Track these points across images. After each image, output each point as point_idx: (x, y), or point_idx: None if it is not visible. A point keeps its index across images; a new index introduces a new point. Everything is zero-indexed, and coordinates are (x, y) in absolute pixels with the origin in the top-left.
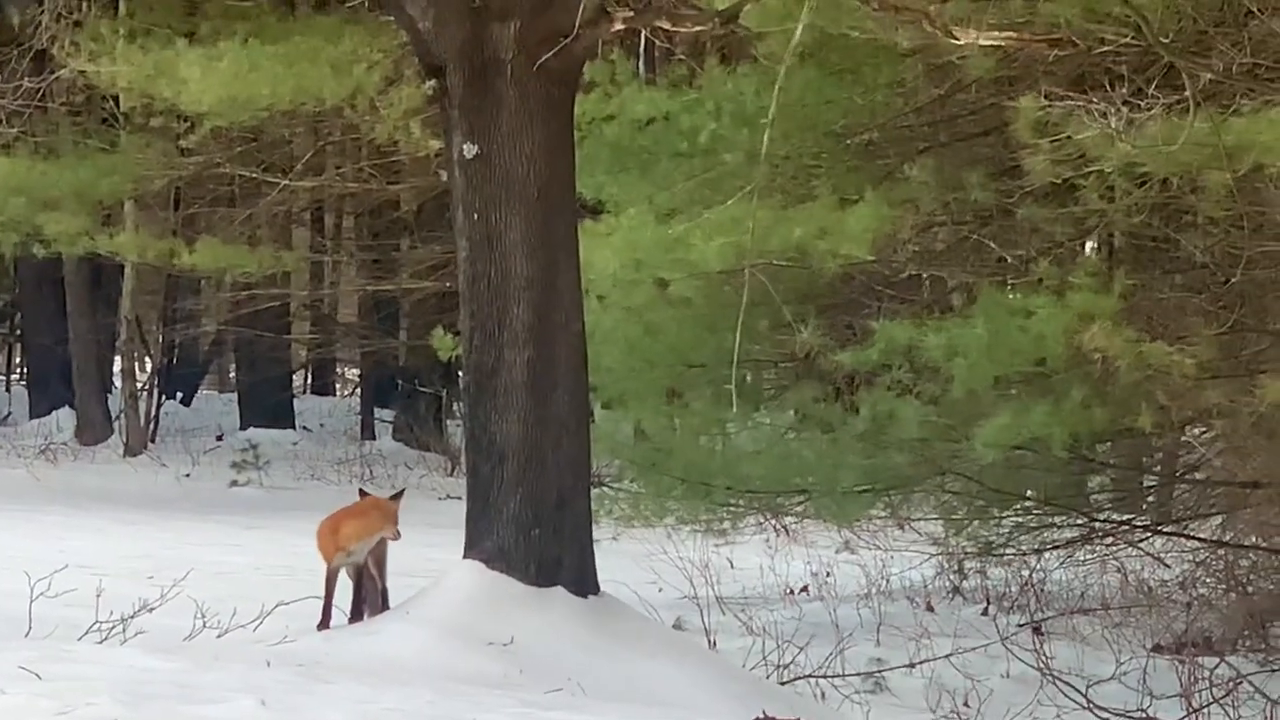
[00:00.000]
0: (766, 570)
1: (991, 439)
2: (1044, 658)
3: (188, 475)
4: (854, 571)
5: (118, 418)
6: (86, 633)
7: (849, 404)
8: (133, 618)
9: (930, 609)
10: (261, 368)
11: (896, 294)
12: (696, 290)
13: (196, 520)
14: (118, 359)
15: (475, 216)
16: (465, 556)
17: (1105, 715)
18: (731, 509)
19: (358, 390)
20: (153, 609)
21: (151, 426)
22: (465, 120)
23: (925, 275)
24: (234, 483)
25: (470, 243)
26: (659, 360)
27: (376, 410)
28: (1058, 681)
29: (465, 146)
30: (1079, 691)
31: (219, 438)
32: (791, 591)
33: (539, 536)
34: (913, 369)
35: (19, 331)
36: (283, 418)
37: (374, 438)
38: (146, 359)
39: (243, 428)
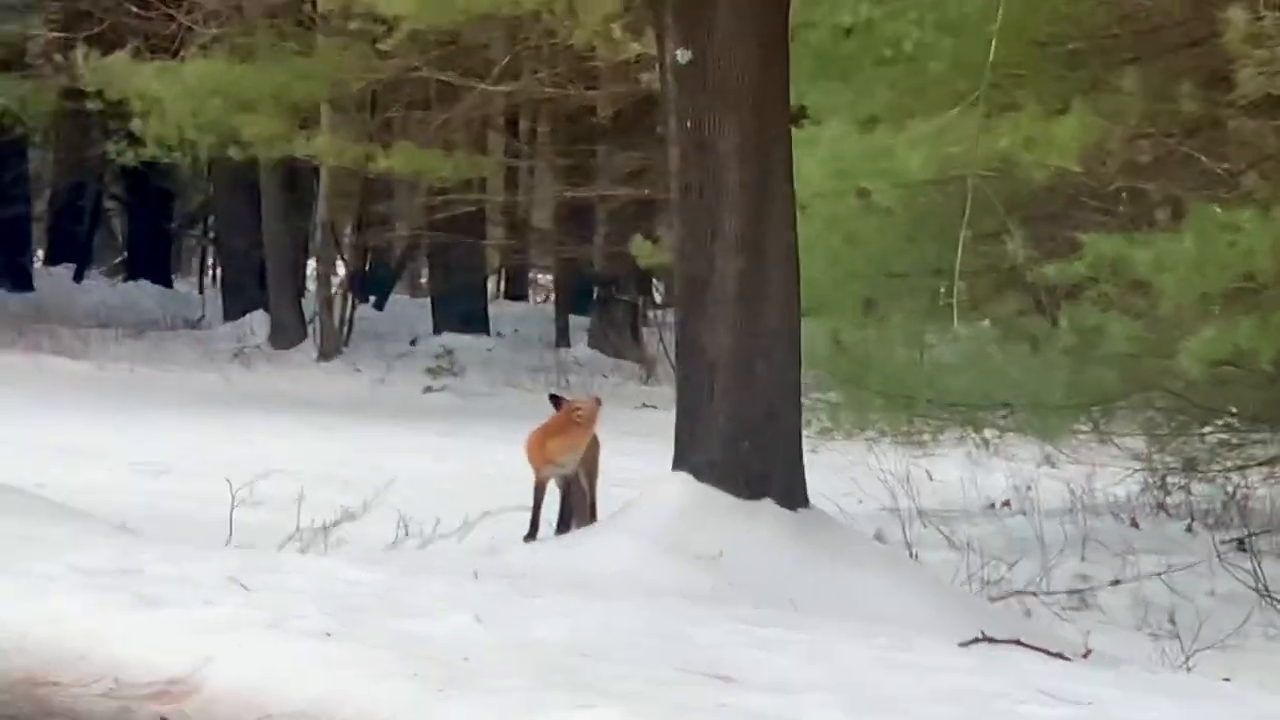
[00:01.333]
0: (967, 484)
1: (1198, 353)
2: (1260, 576)
3: (382, 380)
4: (1056, 487)
5: (311, 322)
6: (288, 541)
7: (1053, 318)
8: (334, 526)
9: (1135, 525)
10: (456, 273)
11: (1103, 206)
12: (898, 200)
13: (391, 426)
14: (311, 263)
15: (688, 124)
16: (674, 469)
17: None
18: (932, 421)
19: (551, 297)
20: (355, 517)
21: (346, 331)
22: (679, 25)
23: (1131, 188)
24: (428, 388)
25: (682, 151)
26: (860, 271)
27: (572, 317)
28: (1267, 596)
29: (679, 52)
30: (1268, 601)
31: (413, 343)
32: (993, 505)
33: (748, 449)
34: (1120, 283)
35: (212, 235)
36: (477, 324)
37: (569, 345)
38: (340, 263)
39: (436, 333)
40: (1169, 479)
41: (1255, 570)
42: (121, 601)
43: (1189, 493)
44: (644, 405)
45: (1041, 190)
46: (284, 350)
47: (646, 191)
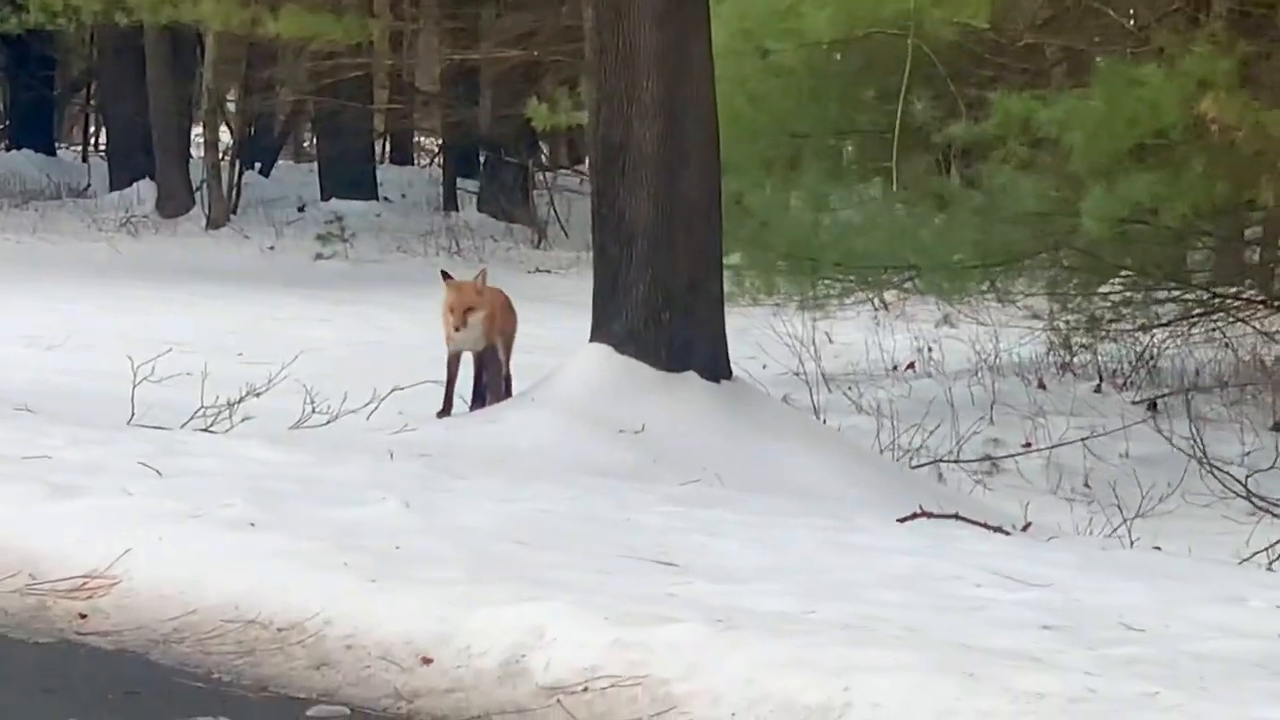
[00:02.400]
0: (870, 347)
1: (1099, 210)
2: (1197, 441)
3: (271, 248)
4: (958, 348)
5: (198, 189)
6: (192, 418)
7: (961, 177)
8: (239, 403)
9: (1042, 386)
10: (342, 138)
11: (1008, 63)
12: (802, 60)
13: (282, 294)
14: (195, 130)
15: None
16: (592, 340)
17: (1260, 502)
18: (835, 285)
19: (435, 161)
20: (260, 394)
21: (234, 198)
22: None
23: (1035, 45)
24: (319, 255)
25: (598, 13)
26: (763, 131)
27: (459, 181)
28: (1205, 462)
29: None
30: (1209, 468)
31: (300, 209)
32: (895, 368)
33: (670, 319)
34: (1027, 141)
35: (92, 102)
36: (364, 188)
37: (457, 209)
38: (224, 130)
39: (324, 199)
40: (1073, 339)
41: (1171, 431)
42: (32, 492)
43: (1095, 353)
44: (538, 270)
45: (945, 48)
46: (172, 219)
47: (535, 54)
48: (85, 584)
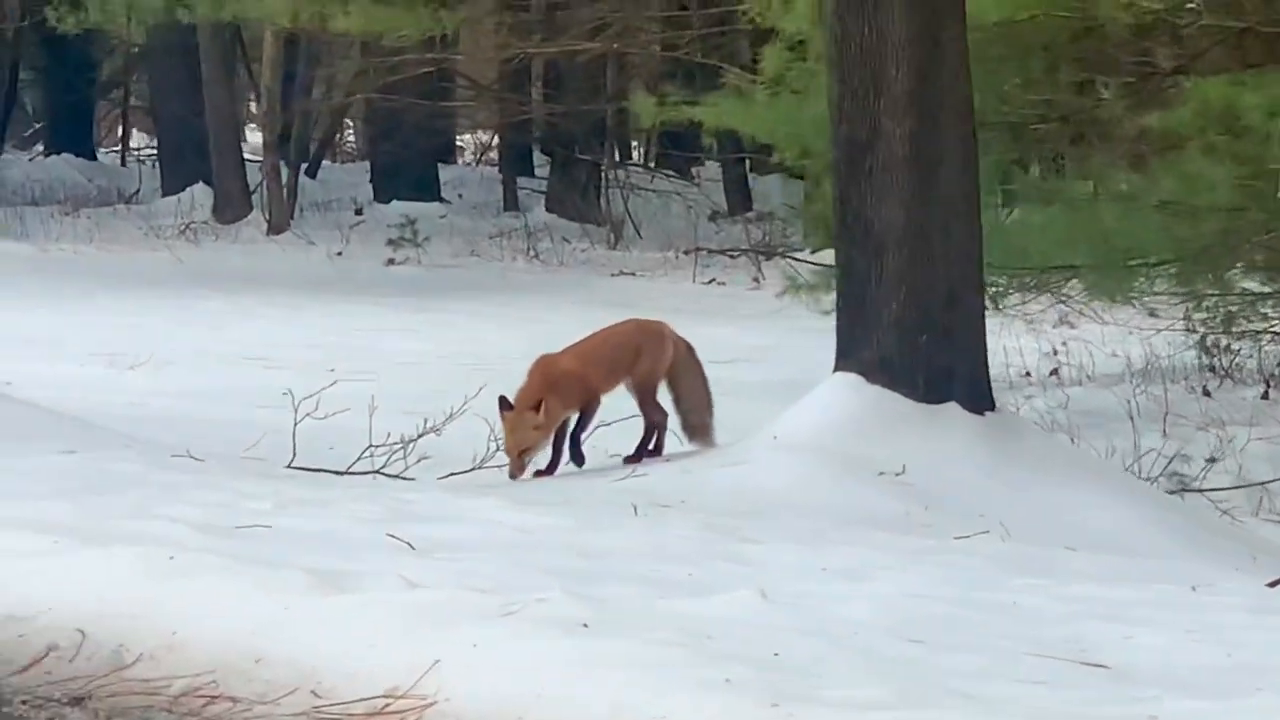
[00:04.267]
0: (995, 350)
1: None
2: None
3: (339, 254)
4: (1091, 351)
5: (254, 192)
6: (359, 459)
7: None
8: (414, 441)
9: (1207, 393)
10: (403, 137)
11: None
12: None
13: (357, 302)
14: (246, 131)
15: None
16: (837, 368)
17: None
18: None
19: (482, 159)
20: (439, 430)
21: (293, 202)
22: None
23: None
24: (390, 261)
25: None
26: None
27: (519, 180)
28: None
29: None
30: None
31: (358, 211)
32: (1029, 374)
33: (927, 343)
34: (1228, 131)
35: (133, 102)
36: (428, 190)
37: (518, 209)
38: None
39: (380, 200)
40: (1225, 340)
41: None
42: (289, 581)
43: (1258, 355)
44: (621, 272)
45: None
46: (230, 224)
47: (616, 46)
48: (388, 705)
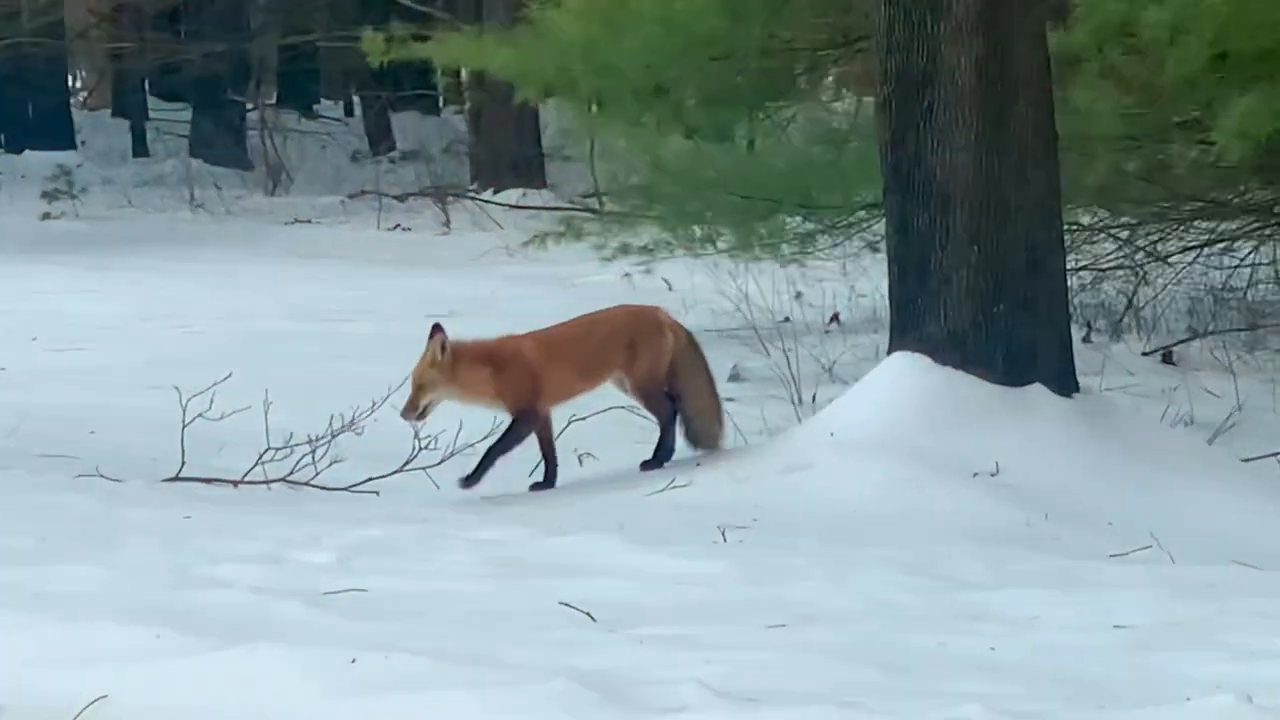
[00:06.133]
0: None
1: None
2: None
3: None
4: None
5: None
6: (255, 466)
7: None
8: (328, 440)
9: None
10: (31, 80)
11: None
12: None
13: (23, 263)
14: None
15: None
16: (894, 347)
17: None
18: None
19: (89, 100)
20: (359, 430)
21: None
22: None
23: None
24: (46, 215)
25: None
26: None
27: (124, 121)
28: None
29: None
30: None
31: None
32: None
33: (1004, 314)
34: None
35: None
36: (60, 137)
37: (147, 154)
38: None
39: (11, 149)
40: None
41: None
42: (531, 698)
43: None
44: (296, 220)
45: None
46: None
47: None
48: None
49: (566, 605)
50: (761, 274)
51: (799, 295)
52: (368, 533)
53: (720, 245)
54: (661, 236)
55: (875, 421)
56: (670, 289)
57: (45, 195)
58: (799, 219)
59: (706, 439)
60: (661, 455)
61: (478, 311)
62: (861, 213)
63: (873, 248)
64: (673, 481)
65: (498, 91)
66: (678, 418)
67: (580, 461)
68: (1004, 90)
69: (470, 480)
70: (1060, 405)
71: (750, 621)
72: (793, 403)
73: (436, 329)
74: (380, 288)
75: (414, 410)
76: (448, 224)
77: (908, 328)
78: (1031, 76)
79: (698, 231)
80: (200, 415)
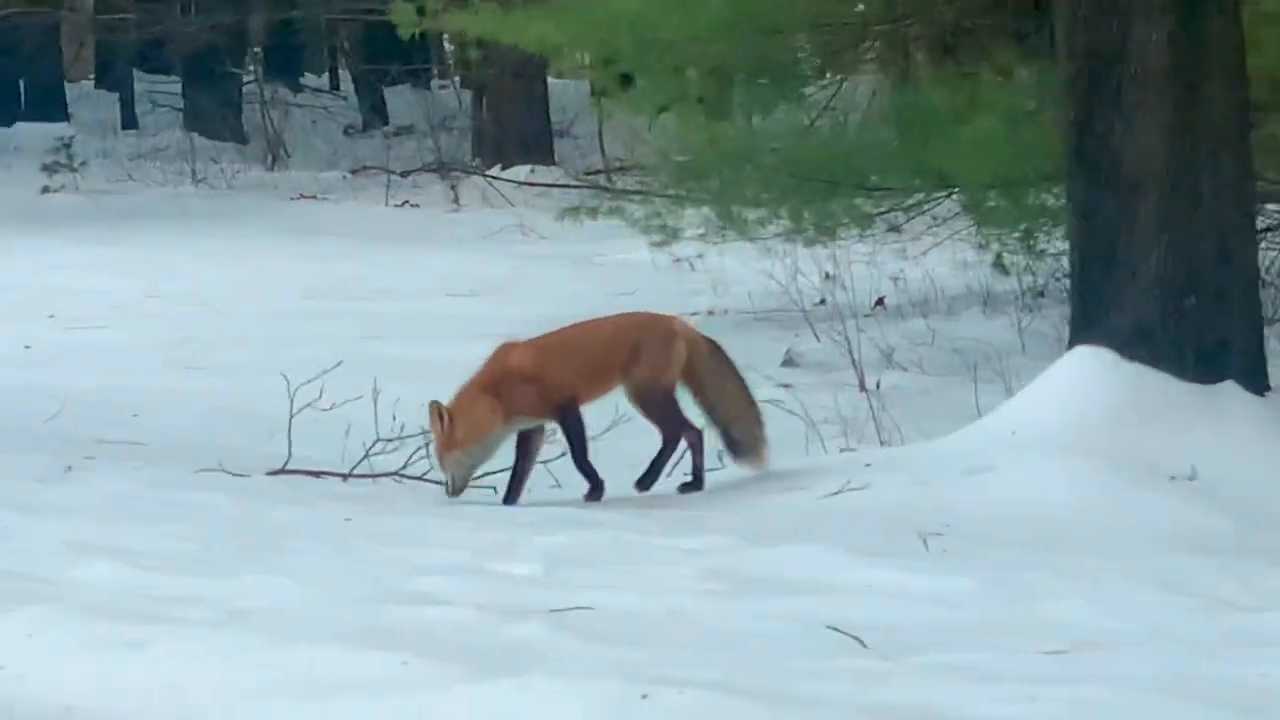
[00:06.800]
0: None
1: None
2: None
3: None
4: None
5: None
6: (364, 458)
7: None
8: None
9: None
10: (24, 51)
11: None
12: None
13: (29, 237)
14: None
15: None
16: (1076, 340)
17: None
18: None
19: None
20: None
21: None
22: None
23: None
24: (46, 189)
25: None
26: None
27: (104, 93)
28: None
29: None
30: None
31: None
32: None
33: (1196, 307)
34: None
35: None
36: (52, 109)
37: (136, 126)
38: None
39: (2, 123)
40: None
41: None
42: None
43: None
44: (301, 196)
45: None
46: None
47: None
48: None
49: (835, 630)
50: (786, 256)
51: (828, 276)
52: (554, 539)
53: (774, 228)
54: (709, 218)
55: (1058, 420)
56: (693, 269)
57: (45, 168)
58: (860, 200)
59: (748, 446)
60: (653, 473)
61: (498, 292)
62: (919, 195)
63: (932, 230)
64: (848, 483)
65: (505, 66)
66: (713, 430)
67: (721, 460)
68: (1196, 69)
69: (593, 494)
70: (1255, 404)
71: (1023, 647)
72: (863, 389)
73: (431, 405)
74: (394, 265)
75: (450, 490)
76: (457, 200)
77: (1091, 320)
78: (1227, 53)
79: (748, 215)
80: (309, 405)
